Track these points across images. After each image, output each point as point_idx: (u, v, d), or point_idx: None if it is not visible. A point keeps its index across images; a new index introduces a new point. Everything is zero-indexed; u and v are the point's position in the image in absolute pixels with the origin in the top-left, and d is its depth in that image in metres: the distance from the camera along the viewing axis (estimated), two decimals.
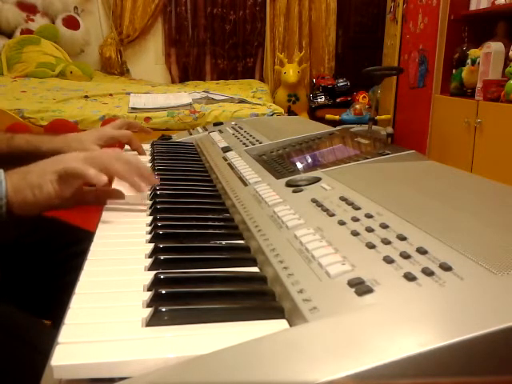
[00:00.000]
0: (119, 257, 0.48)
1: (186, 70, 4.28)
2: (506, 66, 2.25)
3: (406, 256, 0.38)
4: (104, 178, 0.59)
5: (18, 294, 0.74)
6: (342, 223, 0.47)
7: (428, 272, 0.35)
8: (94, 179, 0.58)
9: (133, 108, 2.26)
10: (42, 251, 0.81)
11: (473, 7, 2.66)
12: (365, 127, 3.17)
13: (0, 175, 0.58)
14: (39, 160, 0.62)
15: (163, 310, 0.36)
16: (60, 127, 2.06)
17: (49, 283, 0.80)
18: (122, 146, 0.99)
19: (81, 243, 0.70)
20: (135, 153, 0.98)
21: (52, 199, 0.59)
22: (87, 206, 0.69)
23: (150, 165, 0.91)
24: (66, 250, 0.81)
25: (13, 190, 0.58)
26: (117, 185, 0.66)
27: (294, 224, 0.50)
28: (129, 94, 2.66)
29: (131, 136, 0.96)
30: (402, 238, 0.42)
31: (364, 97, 3.81)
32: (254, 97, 2.95)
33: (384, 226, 0.44)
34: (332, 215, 0.50)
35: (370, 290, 0.35)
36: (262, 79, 4.27)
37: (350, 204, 0.52)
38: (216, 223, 0.59)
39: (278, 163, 0.76)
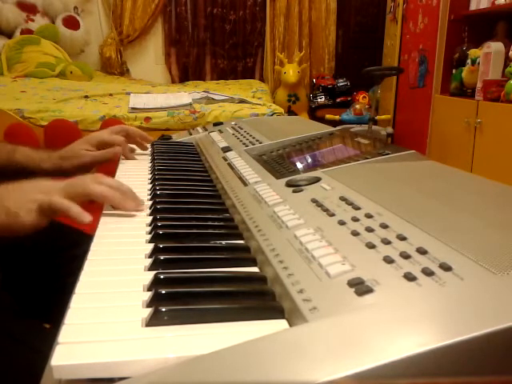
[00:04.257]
0: (119, 257, 0.48)
1: (185, 70, 4.28)
2: (506, 65, 2.25)
3: (405, 256, 0.38)
4: (87, 218, 0.56)
5: (18, 296, 0.74)
6: (342, 223, 0.47)
7: (428, 272, 0.35)
8: (76, 218, 0.56)
9: (133, 108, 2.26)
10: (42, 253, 0.81)
11: (473, 7, 2.66)
12: (365, 127, 3.17)
13: None
14: (37, 177, 0.60)
15: (163, 310, 0.36)
16: (60, 127, 2.06)
17: (48, 285, 0.80)
18: (116, 160, 0.96)
19: (81, 245, 0.70)
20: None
21: (27, 229, 0.57)
22: (87, 207, 0.69)
23: (149, 165, 0.90)
24: (66, 253, 0.81)
25: None
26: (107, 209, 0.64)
27: (294, 224, 0.50)
28: (129, 93, 2.66)
29: (122, 142, 0.94)
30: (401, 238, 0.42)
31: (364, 97, 3.81)
32: (254, 97, 2.95)
33: (384, 226, 0.44)
34: (332, 215, 0.50)
35: (369, 290, 0.35)
36: (262, 79, 4.27)
37: (350, 204, 0.52)
38: (216, 223, 0.59)
39: (278, 163, 0.76)
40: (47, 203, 0.57)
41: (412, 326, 0.30)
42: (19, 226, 0.57)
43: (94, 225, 0.58)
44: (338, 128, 1.04)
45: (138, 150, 1.02)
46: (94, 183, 0.60)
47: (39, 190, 0.59)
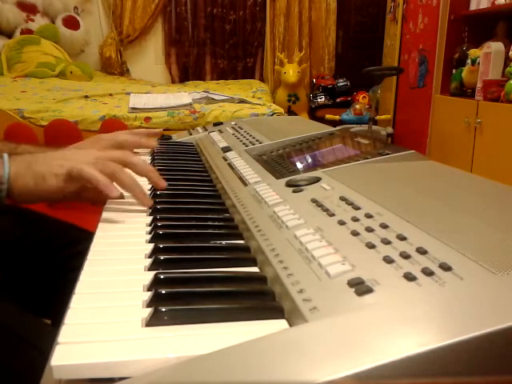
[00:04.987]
0: (119, 257, 0.48)
1: (185, 70, 4.28)
2: (506, 65, 2.25)
3: (405, 256, 0.38)
4: (115, 192, 0.57)
5: (19, 293, 0.74)
6: (341, 223, 0.47)
7: (428, 272, 0.35)
8: (105, 189, 0.57)
9: (133, 108, 2.26)
10: (43, 251, 0.81)
11: (473, 7, 2.66)
12: (365, 127, 3.17)
13: (5, 159, 0.58)
14: None
15: (163, 309, 0.36)
16: (60, 127, 2.06)
17: (49, 282, 0.80)
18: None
19: (81, 243, 0.70)
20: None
21: (53, 193, 0.58)
22: (87, 206, 0.69)
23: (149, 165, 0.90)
24: (66, 250, 0.81)
25: (15, 176, 0.57)
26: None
27: (294, 224, 0.50)
28: (129, 93, 2.66)
29: (131, 146, 0.94)
30: (401, 238, 0.42)
31: (364, 97, 3.81)
32: (254, 97, 2.95)
33: (384, 226, 0.44)
34: (332, 215, 0.50)
35: (369, 290, 0.35)
36: (262, 79, 4.27)
37: (350, 204, 0.52)
38: (216, 223, 0.59)
39: (278, 163, 0.76)
40: (77, 170, 0.58)
41: (412, 326, 0.30)
42: (47, 191, 0.58)
43: (94, 222, 0.59)
44: (338, 128, 1.04)
45: (138, 150, 1.02)
46: (121, 167, 0.61)
47: (69, 158, 0.60)
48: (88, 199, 0.69)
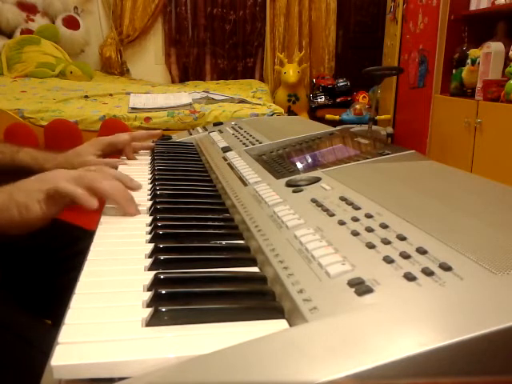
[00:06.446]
0: (119, 257, 0.48)
1: (185, 70, 4.28)
2: (506, 65, 2.25)
3: (405, 256, 0.38)
4: (94, 202, 0.56)
5: (19, 293, 0.74)
6: (341, 223, 0.47)
7: (428, 272, 0.35)
8: (83, 202, 0.56)
9: (133, 108, 2.26)
10: (43, 251, 0.81)
11: (473, 7, 2.66)
12: (365, 127, 3.17)
13: None
14: None
15: (163, 310, 0.36)
16: (60, 127, 2.06)
17: (49, 282, 0.80)
18: (118, 155, 0.97)
19: (80, 243, 0.69)
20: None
21: (39, 220, 0.56)
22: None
23: (150, 165, 0.91)
24: (66, 250, 0.81)
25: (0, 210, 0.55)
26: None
27: (294, 224, 0.50)
28: (129, 93, 2.66)
29: (128, 142, 0.94)
30: (401, 238, 0.42)
31: (364, 97, 3.81)
32: (254, 97, 2.95)
33: (384, 226, 0.44)
34: (332, 215, 0.50)
35: (369, 290, 0.35)
36: (262, 79, 4.27)
37: (350, 204, 0.52)
38: (216, 223, 0.59)
39: (278, 163, 0.76)
40: (53, 189, 0.56)
41: (412, 326, 0.30)
42: (32, 219, 0.56)
43: (94, 221, 0.58)
44: (338, 128, 1.04)
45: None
46: (99, 177, 0.60)
47: (46, 180, 0.58)
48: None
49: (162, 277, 0.42)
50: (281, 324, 0.36)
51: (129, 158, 0.96)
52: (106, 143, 0.91)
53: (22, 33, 3.56)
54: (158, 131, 1.11)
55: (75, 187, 0.56)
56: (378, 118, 3.51)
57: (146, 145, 1.02)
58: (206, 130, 1.23)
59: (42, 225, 0.58)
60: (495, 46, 2.29)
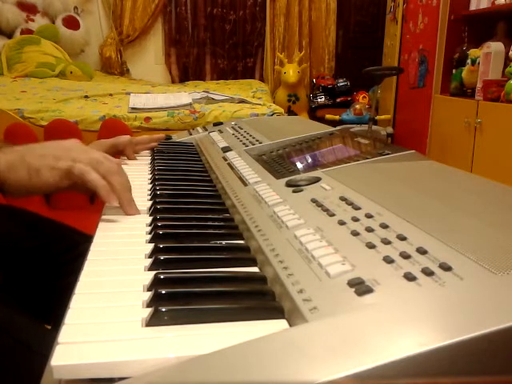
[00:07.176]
0: (119, 257, 0.48)
1: (185, 70, 4.28)
2: (506, 65, 2.25)
3: (405, 256, 0.38)
4: (114, 201, 0.56)
5: (19, 297, 0.74)
6: (341, 223, 0.47)
7: (428, 272, 0.35)
8: (103, 195, 0.56)
9: (133, 108, 2.26)
10: (42, 254, 0.81)
11: (473, 7, 2.66)
12: (365, 127, 3.17)
13: None
14: None
15: (163, 310, 0.36)
16: (60, 127, 2.06)
17: (49, 286, 0.80)
18: (119, 155, 0.97)
19: (80, 246, 0.69)
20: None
21: (47, 187, 0.56)
22: (87, 207, 0.68)
23: (150, 165, 0.91)
24: (66, 253, 0.81)
25: (8, 169, 0.55)
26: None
27: (294, 224, 0.50)
28: (129, 93, 2.66)
29: (128, 143, 0.95)
30: (401, 238, 0.42)
31: (364, 97, 3.81)
32: (254, 97, 2.95)
33: (384, 226, 0.44)
34: (332, 215, 0.50)
35: (369, 290, 0.35)
36: (262, 79, 4.27)
37: (350, 204, 0.52)
38: (216, 223, 0.59)
39: (278, 163, 0.76)
40: (79, 171, 0.55)
41: (412, 326, 0.30)
42: (40, 185, 0.56)
43: (94, 223, 0.58)
44: (338, 128, 1.04)
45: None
46: (114, 171, 0.59)
47: (65, 153, 0.57)
48: (82, 191, 0.67)
49: (161, 277, 0.42)
50: (281, 324, 0.36)
51: (129, 159, 0.96)
52: (109, 145, 0.91)
53: (22, 33, 3.56)
54: (162, 135, 1.11)
55: (100, 180, 0.56)
56: (377, 118, 3.51)
57: (148, 145, 1.02)
58: (206, 129, 1.23)
59: (49, 192, 0.57)
60: (495, 46, 2.29)
